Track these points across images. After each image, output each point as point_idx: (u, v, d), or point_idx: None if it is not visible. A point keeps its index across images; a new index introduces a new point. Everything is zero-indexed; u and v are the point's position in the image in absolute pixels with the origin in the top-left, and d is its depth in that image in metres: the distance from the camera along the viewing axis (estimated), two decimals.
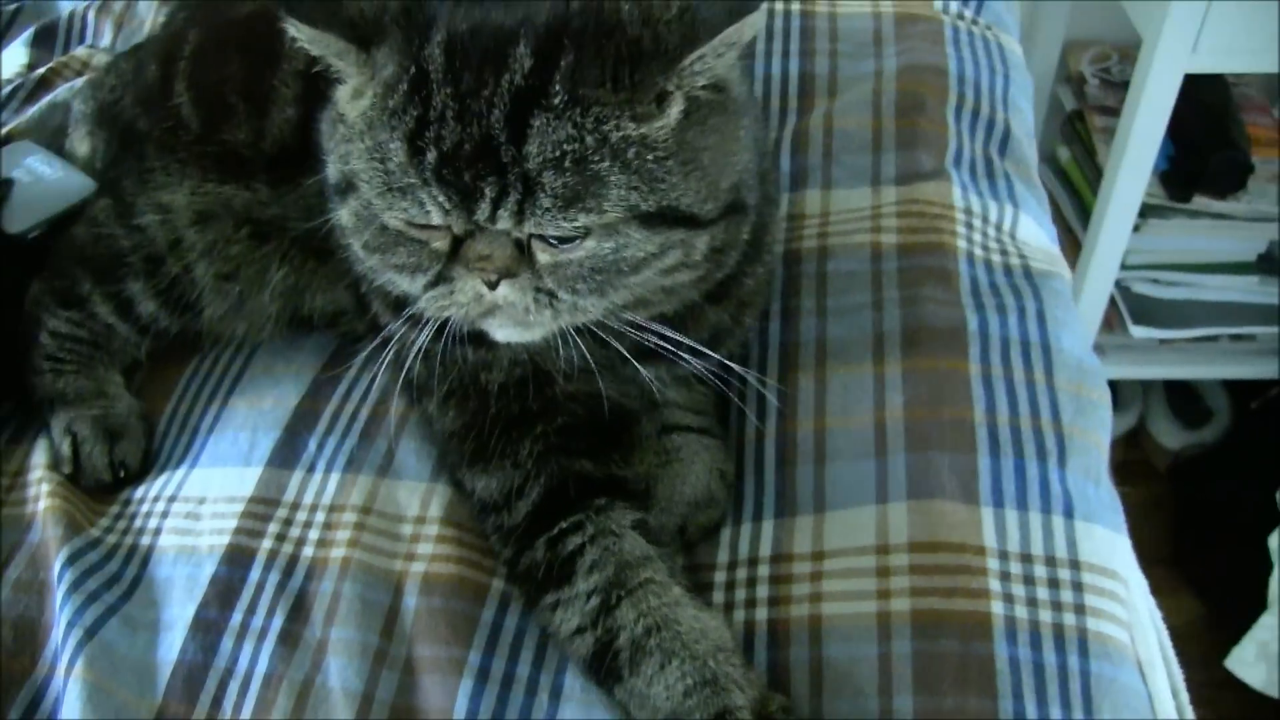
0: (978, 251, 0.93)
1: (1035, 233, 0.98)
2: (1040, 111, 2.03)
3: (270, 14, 0.70)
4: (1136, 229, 1.75)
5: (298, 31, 0.68)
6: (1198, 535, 1.96)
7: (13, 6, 1.40)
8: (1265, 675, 1.68)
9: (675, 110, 0.67)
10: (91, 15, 1.35)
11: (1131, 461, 2.12)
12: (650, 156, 0.66)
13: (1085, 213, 1.82)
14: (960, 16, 1.17)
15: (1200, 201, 1.77)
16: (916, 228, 0.94)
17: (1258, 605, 1.70)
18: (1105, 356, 1.89)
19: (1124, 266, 1.80)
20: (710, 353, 0.77)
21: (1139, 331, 1.84)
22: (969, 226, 0.94)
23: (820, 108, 1.09)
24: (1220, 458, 1.99)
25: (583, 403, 0.80)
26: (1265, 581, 1.69)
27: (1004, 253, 0.94)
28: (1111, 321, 1.87)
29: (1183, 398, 2.08)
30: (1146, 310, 1.86)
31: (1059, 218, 1.98)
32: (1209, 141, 1.75)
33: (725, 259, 0.77)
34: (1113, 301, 1.85)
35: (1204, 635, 1.84)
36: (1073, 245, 1.89)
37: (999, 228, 0.96)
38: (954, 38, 1.13)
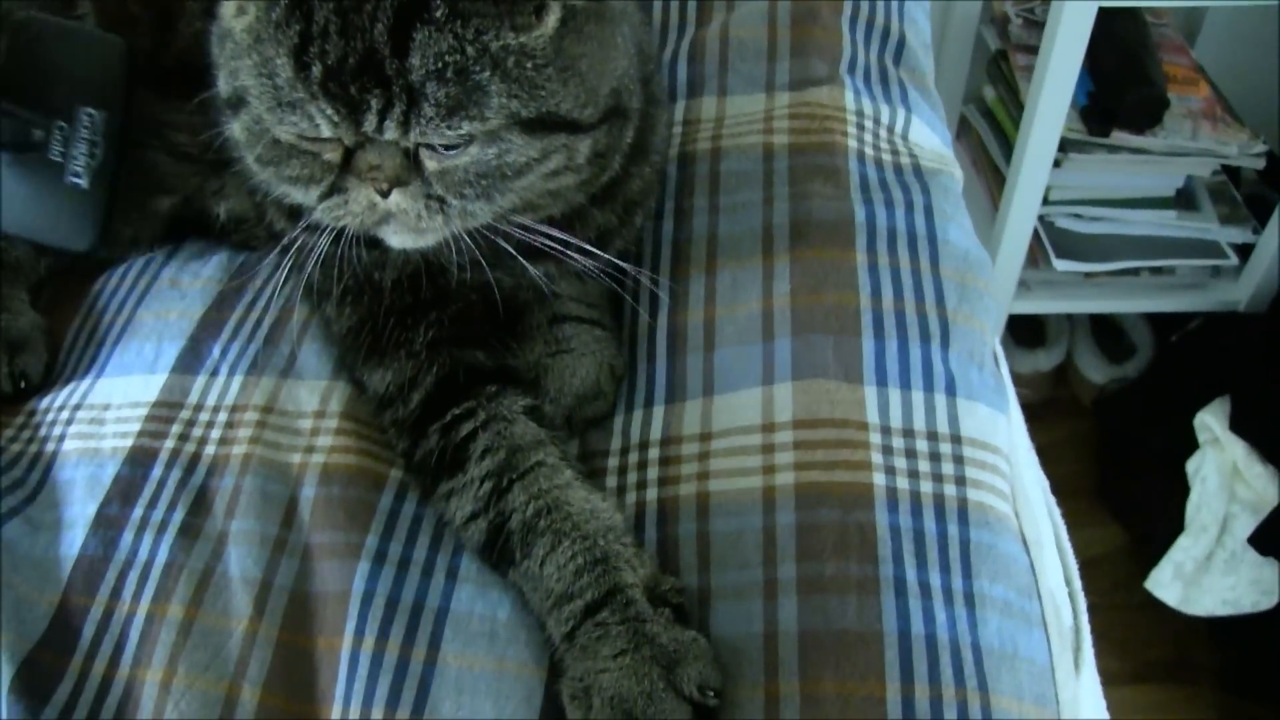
0: (868, 151, 0.95)
1: (927, 135, 1.00)
2: (965, 53, 2.06)
3: None
4: (1058, 164, 1.78)
5: None
6: (1121, 466, 2.01)
7: None
8: (1180, 594, 1.73)
9: (553, 19, 0.69)
10: None
11: (1058, 398, 2.17)
12: (529, 65, 0.68)
13: (1011, 151, 1.85)
14: None
15: (1119, 136, 1.80)
16: (808, 129, 0.96)
17: (1177, 530, 1.75)
18: (1030, 292, 1.93)
19: (1047, 201, 1.84)
20: (599, 252, 0.79)
21: (1062, 265, 1.87)
22: (860, 128, 0.96)
23: (718, 19, 1.11)
24: (1142, 390, 2.03)
25: (476, 291, 0.82)
26: (1185, 506, 1.74)
27: (894, 152, 0.96)
28: (1035, 256, 1.90)
29: (1107, 333, 2.12)
30: (1069, 245, 1.89)
31: (985, 157, 2.02)
32: (1126, 78, 1.79)
33: (609, 162, 0.79)
34: (1036, 236, 1.88)
35: (1127, 561, 1.89)
36: (998, 183, 1.92)
37: (890, 129, 0.99)
38: None
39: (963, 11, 2.01)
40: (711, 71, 1.04)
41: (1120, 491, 1.99)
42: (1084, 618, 0.83)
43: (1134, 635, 1.83)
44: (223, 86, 0.72)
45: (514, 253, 0.76)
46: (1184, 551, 1.73)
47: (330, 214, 0.73)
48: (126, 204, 0.95)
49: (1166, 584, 1.73)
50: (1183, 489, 1.74)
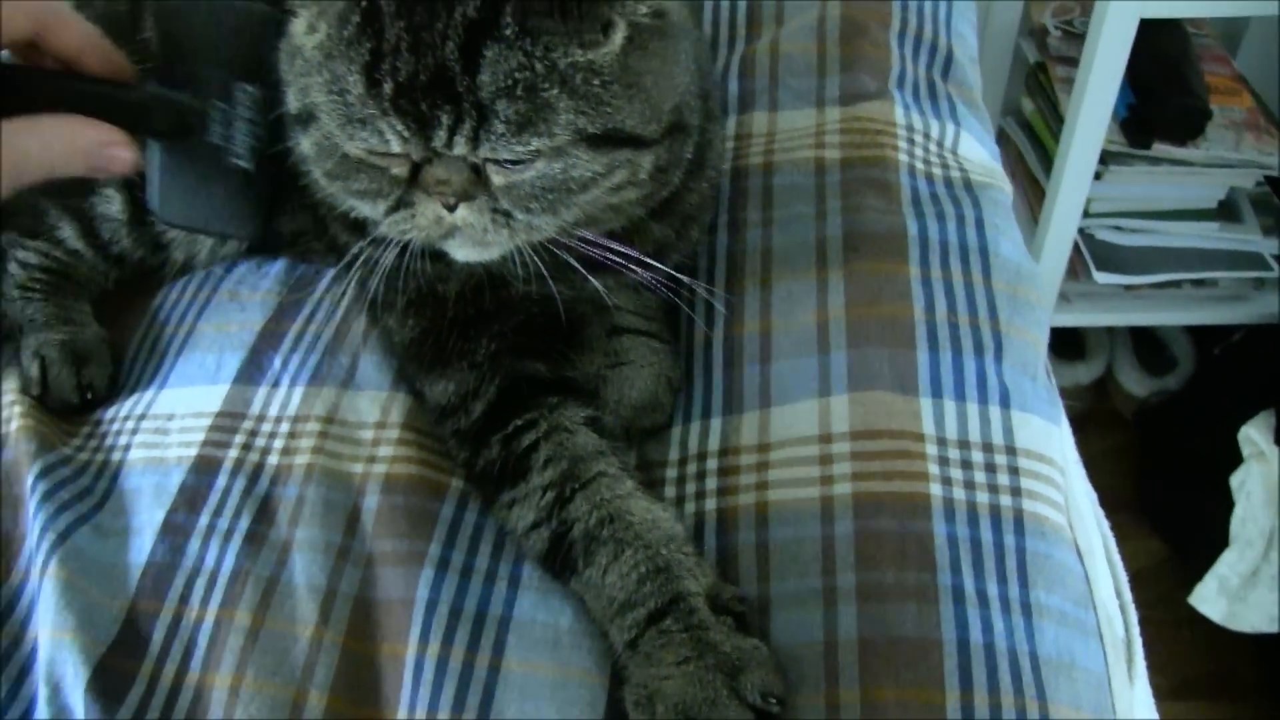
0: (919, 165, 0.96)
1: (976, 149, 1.01)
2: (1004, 65, 2.06)
3: None
4: (1099, 176, 1.77)
5: None
6: (1163, 480, 2.00)
7: None
8: (1225, 609, 1.72)
9: (619, 37, 0.70)
10: None
11: (1099, 410, 2.16)
12: (596, 81, 0.68)
13: (1049, 163, 1.85)
14: None
15: (1160, 148, 1.80)
16: (859, 143, 0.96)
17: (1220, 544, 1.74)
18: (1071, 304, 1.92)
19: (1087, 214, 1.83)
20: (657, 264, 0.80)
21: (1102, 277, 1.86)
22: (910, 142, 0.97)
23: (767, 35, 1.12)
24: (1184, 403, 2.02)
25: (538, 303, 0.83)
26: (1228, 521, 1.73)
27: (945, 166, 0.97)
28: (1076, 269, 1.90)
29: (1148, 346, 2.11)
30: (1110, 257, 1.89)
31: (1024, 169, 2.02)
32: (1167, 89, 1.78)
33: (669, 177, 0.80)
34: (1077, 249, 1.88)
35: (1169, 576, 1.88)
36: (1038, 195, 1.91)
37: (940, 144, 0.99)
38: None
39: (1001, 23, 2.01)
40: (762, 86, 1.05)
41: (1162, 505, 1.98)
42: (1135, 629, 0.84)
43: (1178, 650, 1.82)
44: (292, 103, 0.73)
45: (576, 265, 0.77)
46: (1229, 566, 1.71)
47: (397, 227, 0.74)
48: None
49: (1211, 599, 1.72)
50: (1226, 503, 1.73)
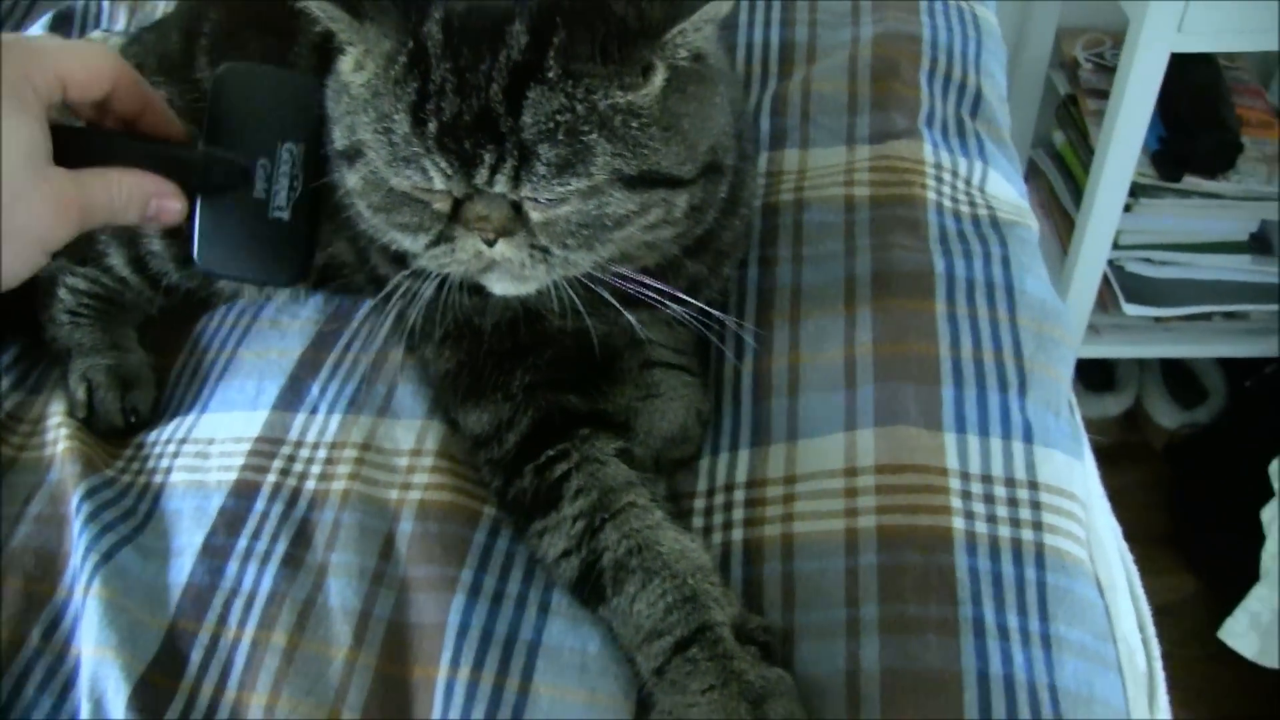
0: (946, 203, 0.97)
1: (1004, 187, 1.02)
2: (1035, 98, 2.07)
3: None
4: (1129, 209, 1.78)
5: None
6: (1194, 513, 1.99)
7: None
8: (1258, 645, 1.71)
9: (659, 80, 0.72)
10: (106, 2, 1.40)
11: (1129, 443, 2.15)
12: (635, 124, 0.70)
13: (1080, 195, 1.86)
14: None
15: (1191, 181, 1.81)
16: (888, 181, 0.98)
17: (1251, 579, 1.73)
18: (1100, 336, 1.93)
19: (1118, 246, 1.84)
20: (690, 300, 0.82)
21: (1132, 310, 1.87)
22: (939, 180, 0.99)
23: (799, 73, 1.13)
24: (1216, 436, 2.02)
25: (572, 336, 0.85)
26: (1259, 555, 1.72)
27: (972, 204, 0.98)
28: (1105, 301, 1.91)
29: (1179, 378, 2.11)
30: (1140, 289, 1.89)
31: (1054, 201, 2.03)
32: (1199, 122, 1.79)
33: (704, 216, 0.82)
34: (1107, 281, 1.89)
35: (1200, 610, 1.87)
36: (1068, 227, 1.92)
37: (968, 182, 1.01)
38: (929, 7, 1.18)
39: (1032, 56, 2.03)
40: (794, 124, 1.07)
41: (1193, 539, 1.97)
42: (1158, 664, 0.84)
43: (1208, 686, 1.80)
44: (339, 139, 0.75)
45: (611, 300, 0.79)
46: (1260, 601, 1.70)
47: (436, 261, 0.76)
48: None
49: (1242, 634, 1.71)
50: (1258, 537, 1.72)
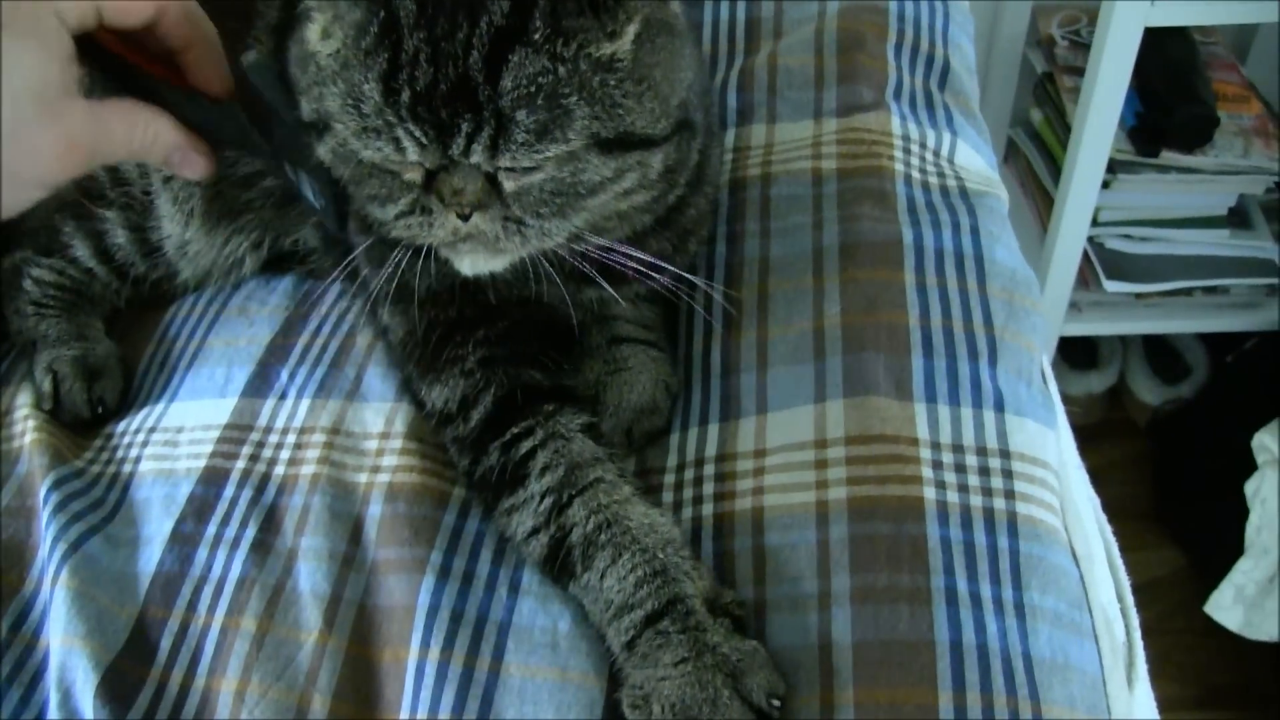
0: (915, 174, 0.97)
1: (973, 157, 1.02)
2: (1012, 75, 2.07)
3: None
4: (1107, 185, 1.78)
5: None
6: (1178, 488, 1.99)
7: None
8: (1242, 618, 1.71)
9: (633, 29, 0.70)
10: None
11: (1113, 419, 2.16)
12: (612, 80, 0.69)
13: (1059, 172, 1.86)
14: None
15: (1169, 156, 1.80)
16: (856, 154, 0.97)
17: (1236, 552, 1.73)
18: (1082, 313, 1.93)
19: (1097, 223, 1.84)
20: (667, 265, 0.81)
21: (1113, 286, 1.87)
22: (906, 151, 0.98)
23: (765, 48, 1.13)
24: (1199, 411, 2.02)
25: (520, 307, 0.84)
26: (1243, 529, 1.72)
27: (941, 175, 0.98)
28: (1086, 278, 1.90)
29: (1161, 354, 2.11)
30: (1120, 265, 1.89)
31: (1034, 179, 2.02)
32: (1175, 97, 1.79)
33: (677, 177, 0.81)
34: (1087, 258, 1.88)
35: (1186, 585, 1.87)
36: (1047, 204, 1.92)
37: (936, 153, 1.00)
38: None
39: (1009, 34, 2.02)
40: (761, 99, 1.06)
41: (1178, 514, 1.98)
42: (1137, 634, 0.83)
43: (1195, 659, 1.81)
44: (305, 110, 0.74)
45: (590, 272, 0.78)
46: (1245, 575, 1.71)
47: (409, 231, 0.74)
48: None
49: (1227, 608, 1.72)
50: (1242, 511, 1.73)
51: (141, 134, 0.72)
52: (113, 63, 0.73)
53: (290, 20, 0.74)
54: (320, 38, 0.72)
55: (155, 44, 0.74)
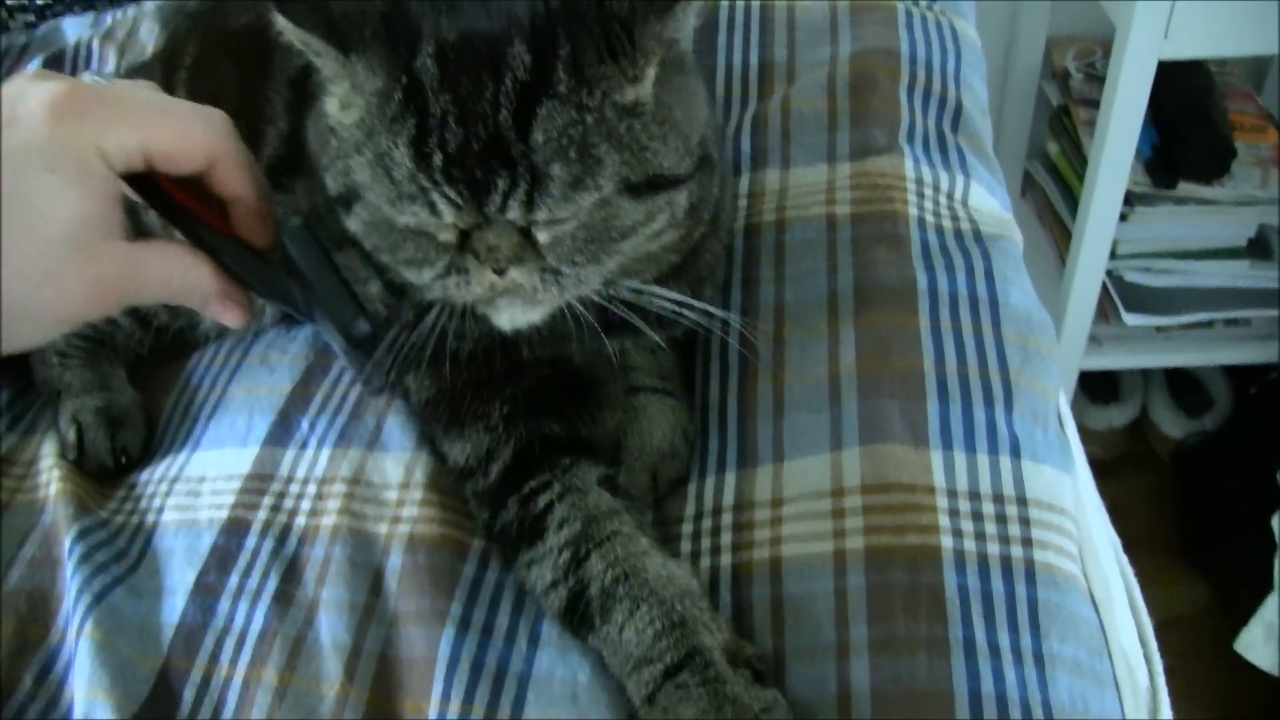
0: (929, 218, 0.97)
1: (986, 200, 1.02)
2: (1027, 108, 2.07)
3: (263, 27, 0.73)
4: (1125, 218, 1.78)
5: (283, 26, 0.70)
6: (1203, 522, 1.97)
7: (22, 41, 1.48)
8: (1274, 656, 1.69)
9: (652, 72, 0.71)
10: (96, 43, 1.41)
11: (1136, 453, 2.14)
12: (638, 125, 0.70)
13: (1076, 205, 1.86)
14: (914, 2, 1.22)
15: (1186, 188, 1.80)
16: (869, 198, 0.98)
17: (1264, 587, 1.71)
18: (1102, 347, 1.92)
19: (1115, 256, 1.83)
20: (694, 301, 0.81)
21: (1132, 319, 1.86)
22: (920, 195, 0.98)
23: (779, 93, 1.14)
24: (1222, 444, 2.00)
25: (549, 365, 0.85)
26: (1271, 563, 1.70)
27: (954, 218, 0.98)
28: (1106, 311, 1.90)
29: (1183, 386, 2.10)
30: (1139, 298, 1.88)
31: (1051, 212, 2.02)
32: (1191, 128, 1.79)
33: (701, 214, 0.82)
34: (1106, 291, 1.88)
35: (1215, 620, 1.85)
36: (1065, 238, 1.92)
37: (950, 196, 1.00)
38: (907, 22, 1.18)
39: (1024, 67, 2.03)
40: (774, 144, 1.07)
41: (1203, 548, 1.95)
42: (1161, 680, 0.83)
43: (1223, 697, 1.78)
44: (331, 185, 0.74)
45: (625, 314, 0.78)
46: (1275, 611, 1.68)
47: (445, 291, 0.74)
48: None
49: (1258, 645, 1.69)
50: (1269, 544, 1.70)
51: (180, 280, 0.71)
52: (162, 199, 0.72)
53: (308, 68, 0.75)
54: (340, 109, 0.72)
55: (205, 188, 0.73)
